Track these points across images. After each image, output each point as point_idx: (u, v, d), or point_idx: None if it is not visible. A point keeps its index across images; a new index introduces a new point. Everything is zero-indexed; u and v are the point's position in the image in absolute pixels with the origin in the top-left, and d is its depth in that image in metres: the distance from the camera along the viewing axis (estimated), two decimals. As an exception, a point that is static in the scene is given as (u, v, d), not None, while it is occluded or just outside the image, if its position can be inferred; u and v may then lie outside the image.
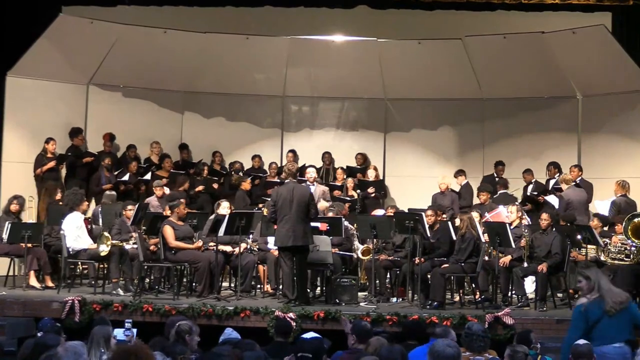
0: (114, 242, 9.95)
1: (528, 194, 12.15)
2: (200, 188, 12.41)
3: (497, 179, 12.65)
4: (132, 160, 12.76)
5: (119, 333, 6.45)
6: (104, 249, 9.79)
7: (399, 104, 13.95)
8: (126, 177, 12.22)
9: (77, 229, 9.97)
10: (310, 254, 9.52)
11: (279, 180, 12.13)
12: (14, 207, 10.45)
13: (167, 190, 11.67)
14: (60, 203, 10.87)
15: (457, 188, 12.54)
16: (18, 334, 8.52)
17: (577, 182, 11.70)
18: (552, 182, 12.19)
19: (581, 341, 5.72)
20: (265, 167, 13.43)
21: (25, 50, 12.04)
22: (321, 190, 11.51)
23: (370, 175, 12.85)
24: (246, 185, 12.39)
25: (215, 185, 12.63)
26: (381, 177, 13.30)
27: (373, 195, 12.58)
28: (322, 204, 10.87)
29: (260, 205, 11.60)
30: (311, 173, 11.63)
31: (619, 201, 10.91)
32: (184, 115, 13.94)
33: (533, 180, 12.34)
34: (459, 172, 12.73)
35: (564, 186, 11.37)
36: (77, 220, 10.05)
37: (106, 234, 9.95)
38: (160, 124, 13.63)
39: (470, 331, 5.79)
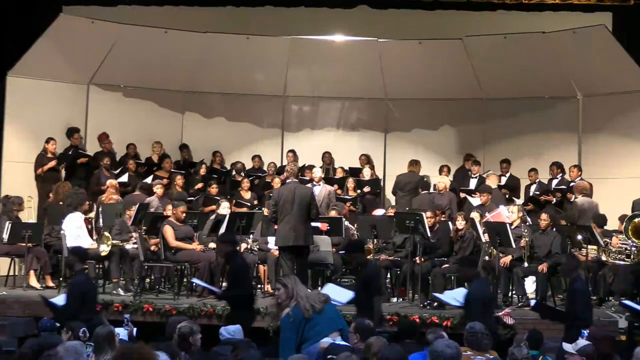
0: (114, 242, 9.95)
1: (531, 194, 12.14)
2: (200, 185, 12.39)
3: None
4: (131, 157, 12.74)
5: (120, 331, 6.46)
6: (105, 249, 9.80)
7: (399, 104, 13.94)
8: (125, 178, 12.16)
9: (77, 228, 9.99)
10: (311, 254, 9.53)
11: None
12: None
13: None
14: (61, 203, 10.87)
15: (473, 181, 12.65)
16: (18, 334, 8.53)
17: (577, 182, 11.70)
18: (554, 182, 12.18)
19: (585, 342, 5.75)
20: (265, 167, 13.43)
21: (26, 50, 12.04)
22: (327, 190, 11.48)
23: (366, 174, 12.80)
24: (245, 188, 12.36)
25: (214, 190, 12.42)
26: (377, 176, 13.25)
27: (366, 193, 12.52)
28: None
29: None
30: (317, 173, 11.60)
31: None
32: (184, 115, 13.94)
33: (537, 181, 12.33)
34: (476, 163, 12.86)
35: (578, 194, 11.10)
36: (77, 220, 10.07)
37: (107, 233, 9.96)
38: (161, 124, 13.63)
39: (473, 330, 5.83)
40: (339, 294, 7.85)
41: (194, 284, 9.58)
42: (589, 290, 8.56)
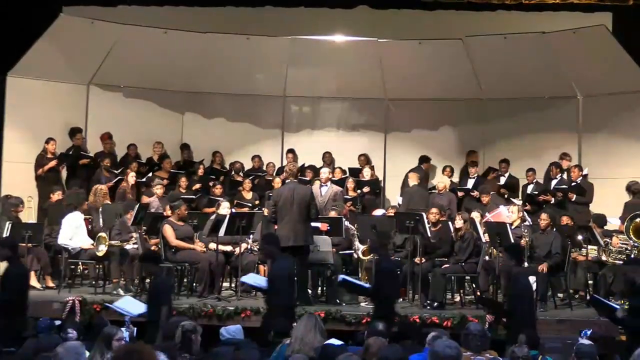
0: (112, 242, 9.96)
1: (528, 192, 12.14)
2: (197, 186, 12.40)
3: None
4: (133, 160, 12.77)
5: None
6: (102, 249, 9.81)
7: (399, 104, 13.93)
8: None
9: (75, 228, 9.99)
10: (311, 254, 9.54)
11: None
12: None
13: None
14: (63, 203, 10.88)
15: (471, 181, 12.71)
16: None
17: (579, 182, 11.72)
18: (553, 182, 12.18)
19: (585, 341, 5.76)
20: (265, 167, 13.43)
21: (26, 50, 12.04)
22: (333, 192, 11.46)
23: (366, 174, 12.79)
24: (246, 188, 12.34)
25: (218, 190, 12.40)
26: (377, 177, 13.25)
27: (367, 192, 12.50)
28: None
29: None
30: (324, 174, 11.61)
31: None
32: (184, 116, 13.95)
33: (534, 181, 12.34)
34: (473, 164, 12.91)
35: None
36: (77, 219, 10.08)
37: (103, 234, 9.96)
38: (161, 125, 13.63)
39: (467, 331, 5.86)
40: (132, 306, 7.92)
41: None
42: (395, 270, 8.66)
